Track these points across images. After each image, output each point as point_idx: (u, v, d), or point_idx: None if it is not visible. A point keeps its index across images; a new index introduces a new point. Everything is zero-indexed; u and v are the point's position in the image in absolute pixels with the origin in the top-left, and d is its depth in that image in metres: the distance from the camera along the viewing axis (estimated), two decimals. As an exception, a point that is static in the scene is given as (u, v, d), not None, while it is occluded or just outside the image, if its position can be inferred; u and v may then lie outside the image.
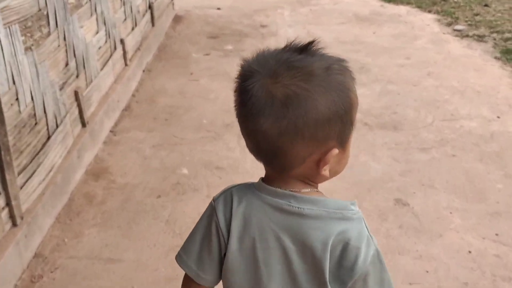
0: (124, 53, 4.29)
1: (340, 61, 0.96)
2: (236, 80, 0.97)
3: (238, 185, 1.06)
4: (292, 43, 0.97)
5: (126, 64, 4.34)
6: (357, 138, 3.53)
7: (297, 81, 0.91)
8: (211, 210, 1.05)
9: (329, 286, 0.96)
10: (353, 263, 0.96)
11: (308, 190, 1.00)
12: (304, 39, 0.96)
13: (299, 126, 0.91)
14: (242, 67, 0.97)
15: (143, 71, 4.74)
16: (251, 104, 0.92)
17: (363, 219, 1.00)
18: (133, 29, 4.57)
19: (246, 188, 1.05)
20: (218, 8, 7.09)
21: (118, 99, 3.94)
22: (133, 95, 4.33)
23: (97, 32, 3.66)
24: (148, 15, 5.17)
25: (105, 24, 3.80)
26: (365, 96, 4.25)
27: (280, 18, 6.69)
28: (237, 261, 1.02)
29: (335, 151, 0.95)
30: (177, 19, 6.49)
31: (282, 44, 0.99)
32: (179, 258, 1.10)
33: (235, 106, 0.98)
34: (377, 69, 4.89)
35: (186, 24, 6.30)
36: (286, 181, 1.00)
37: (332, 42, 5.66)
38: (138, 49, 4.70)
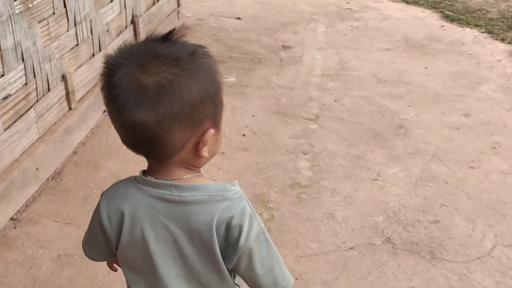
0: (68, 93, 3.12)
1: (202, 47, 1.01)
2: (101, 76, 0.97)
3: (123, 180, 1.09)
4: (153, 34, 1.01)
5: (70, 108, 3.17)
6: (370, 264, 2.25)
7: (166, 68, 0.94)
8: (97, 207, 1.10)
9: (222, 263, 1.04)
10: (236, 240, 1.02)
11: (189, 176, 1.05)
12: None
13: (175, 111, 0.94)
14: (107, 61, 0.97)
15: (104, 112, 3.55)
16: (122, 98, 0.93)
17: (244, 198, 1.05)
18: (92, 57, 3.39)
19: (130, 182, 1.07)
20: (238, 18, 5.83)
21: (40, 165, 2.77)
22: (75, 153, 3.16)
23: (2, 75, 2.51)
24: (128, 33, 3.97)
25: (23, 59, 2.65)
26: (396, 182, 2.92)
27: (310, 36, 5.38)
28: (132, 252, 1.09)
29: (212, 131, 1.00)
30: (181, 32, 5.25)
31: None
32: (85, 251, 1.22)
33: (104, 102, 0.99)
34: (421, 132, 3.52)
35: (189, 40, 5.05)
36: (167, 169, 1.04)
37: (366, 78, 4.35)
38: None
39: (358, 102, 3.93)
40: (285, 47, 5.05)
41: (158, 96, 0.93)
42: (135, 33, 4.14)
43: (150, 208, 1.05)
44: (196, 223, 1.03)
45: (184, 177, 1.05)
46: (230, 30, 5.44)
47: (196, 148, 1.01)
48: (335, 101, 3.94)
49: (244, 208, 1.04)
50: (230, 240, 1.03)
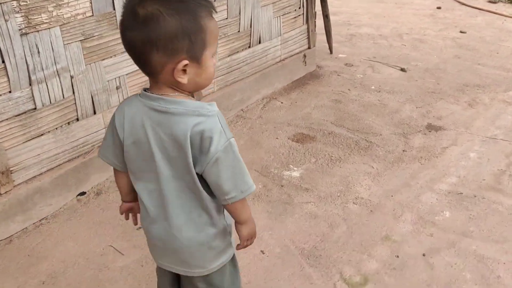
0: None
1: None
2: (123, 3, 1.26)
3: (130, 96, 1.38)
4: None
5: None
6: None
7: (157, 5, 1.19)
8: (112, 118, 1.39)
9: (193, 167, 1.30)
10: (207, 149, 1.27)
11: (176, 94, 1.30)
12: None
13: (153, 38, 1.20)
14: None
15: (80, 195, 2.66)
16: (123, 21, 1.24)
17: (217, 116, 1.29)
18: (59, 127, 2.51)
19: (134, 97, 1.35)
20: (403, 69, 4.21)
21: None
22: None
23: None
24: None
25: None
26: None
27: (492, 114, 3.53)
28: (132, 151, 1.36)
29: (184, 62, 1.24)
30: (303, 82, 3.97)
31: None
32: (101, 155, 1.46)
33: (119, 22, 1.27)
34: None
35: (298, 98, 3.76)
36: (159, 87, 1.30)
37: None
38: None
39: None
40: (430, 128, 3.32)
41: (144, 23, 1.20)
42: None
43: (146, 115, 1.31)
44: (176, 131, 1.28)
45: (171, 94, 1.30)
46: (372, 87, 3.90)
47: (173, 73, 1.25)
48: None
49: (215, 124, 1.28)
50: (203, 149, 1.29)
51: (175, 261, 1.48)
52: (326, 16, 4.31)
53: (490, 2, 6.48)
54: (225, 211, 1.46)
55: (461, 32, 5.18)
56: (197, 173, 1.33)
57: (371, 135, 3.21)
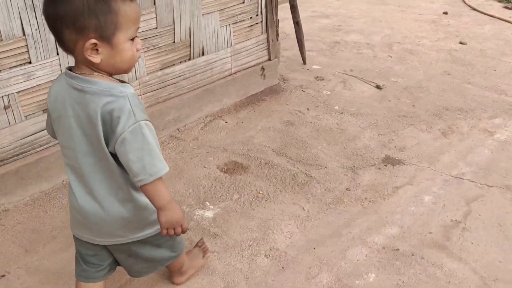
0: None
1: None
2: None
3: (61, 73, 1.52)
4: None
5: None
6: None
7: None
8: (48, 97, 1.47)
9: (105, 145, 1.37)
10: (115, 128, 1.33)
11: (93, 73, 1.36)
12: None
13: (62, 14, 1.27)
14: None
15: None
16: None
17: (128, 98, 1.35)
18: None
19: (62, 75, 1.43)
20: (378, 87, 3.77)
21: None
22: None
23: None
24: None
25: None
26: None
27: (467, 145, 3.10)
28: (56, 126, 1.46)
29: (92, 40, 1.29)
30: (259, 97, 3.57)
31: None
32: (46, 127, 1.56)
33: None
34: None
35: (247, 118, 3.36)
36: (78, 66, 1.38)
37: None
38: None
39: None
40: (387, 161, 2.88)
41: (54, 3, 1.29)
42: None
43: (67, 93, 1.39)
44: (90, 109, 1.35)
45: (88, 73, 1.37)
46: (336, 107, 3.46)
47: (84, 52, 1.32)
48: None
49: (124, 105, 1.34)
50: (113, 128, 1.34)
51: (97, 234, 1.56)
52: (296, 23, 3.89)
53: (506, 8, 5.88)
54: None
55: (460, 43, 4.65)
56: (111, 152, 1.40)
57: (314, 168, 2.79)
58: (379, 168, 2.81)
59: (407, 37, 4.80)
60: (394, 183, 2.69)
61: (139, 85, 2.84)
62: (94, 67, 1.37)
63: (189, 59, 3.05)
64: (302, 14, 5.48)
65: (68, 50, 1.36)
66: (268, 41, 3.48)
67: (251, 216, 2.43)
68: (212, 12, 3.06)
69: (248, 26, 3.33)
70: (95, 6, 1.27)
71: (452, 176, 2.74)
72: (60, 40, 1.34)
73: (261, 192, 2.60)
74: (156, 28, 2.81)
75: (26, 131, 2.44)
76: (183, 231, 1.52)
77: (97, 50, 1.32)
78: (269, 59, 3.53)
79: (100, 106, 1.34)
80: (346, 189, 2.64)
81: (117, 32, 1.32)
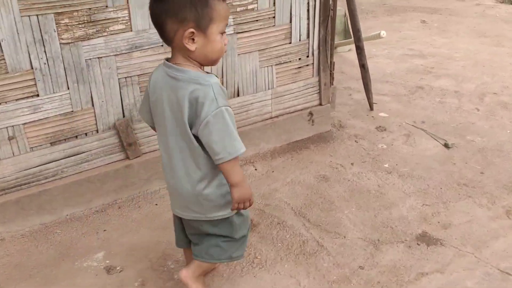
0: None
1: None
2: None
3: (159, 64, 1.68)
4: None
5: None
6: None
7: None
8: (148, 80, 1.71)
9: (188, 128, 1.59)
10: (200, 112, 1.55)
11: (186, 63, 1.60)
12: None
13: (167, 8, 1.52)
14: None
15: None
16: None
17: (212, 86, 1.56)
18: None
19: (161, 64, 1.66)
20: (446, 145, 3.30)
21: None
22: None
23: None
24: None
25: None
26: None
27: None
28: (154, 107, 1.70)
29: (191, 29, 1.52)
30: (303, 145, 3.29)
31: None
32: (139, 111, 1.84)
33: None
34: None
35: (280, 167, 3.10)
36: (174, 56, 1.62)
37: None
38: None
39: None
40: (422, 239, 2.46)
41: (159, 2, 1.54)
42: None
43: (164, 79, 1.63)
44: (180, 94, 1.57)
45: (182, 63, 1.60)
46: (386, 165, 3.07)
47: (182, 39, 1.54)
48: None
49: (208, 93, 1.55)
50: (197, 113, 1.55)
51: (179, 206, 1.79)
52: (362, 66, 3.54)
53: None
54: None
55: None
56: (194, 135, 1.60)
57: (330, 236, 2.45)
58: (409, 247, 2.38)
59: (507, 88, 4.17)
60: (421, 268, 2.26)
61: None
62: (189, 56, 1.58)
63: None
64: (398, 52, 5.08)
65: (168, 39, 1.58)
66: (319, 85, 3.19)
67: (236, 284, 2.17)
68: (250, 52, 2.87)
69: (296, 68, 3.08)
70: (196, 0, 1.50)
71: (499, 269, 2.24)
72: (163, 31, 1.56)
73: (259, 257, 2.32)
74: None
75: (30, 162, 2.43)
76: (250, 205, 1.73)
77: (193, 39, 1.54)
78: (320, 104, 3.24)
79: (188, 93, 1.55)
80: (359, 267, 2.27)
81: (212, 24, 1.54)
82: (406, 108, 3.79)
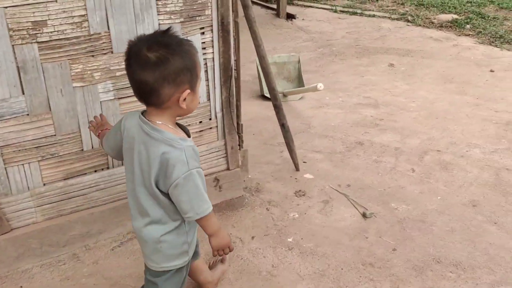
0: None
1: (187, 40, 1.66)
2: (126, 51, 1.62)
3: (134, 111, 1.76)
4: (158, 30, 1.83)
5: None
6: None
7: (161, 50, 1.56)
8: (120, 121, 1.79)
9: (153, 183, 1.68)
10: (170, 174, 1.63)
11: (160, 123, 1.67)
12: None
13: (165, 75, 1.56)
14: (129, 43, 1.62)
15: None
16: (135, 63, 1.58)
17: (184, 150, 1.64)
18: None
19: (137, 114, 1.72)
20: (364, 215, 3.03)
21: None
22: None
23: None
24: None
25: None
26: None
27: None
28: (125, 154, 1.78)
29: (188, 91, 1.62)
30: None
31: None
32: (103, 145, 1.94)
33: (125, 67, 1.63)
34: None
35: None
36: (151, 113, 1.68)
37: None
38: None
39: None
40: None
41: (156, 64, 1.55)
42: None
43: (137, 131, 1.69)
44: (151, 152, 1.65)
45: (157, 122, 1.67)
46: (289, 239, 2.80)
47: (178, 100, 1.62)
48: None
49: (179, 156, 1.63)
50: (167, 174, 1.64)
51: (143, 252, 1.86)
52: (282, 125, 3.31)
53: None
54: (196, 229, 1.89)
55: (521, 159, 3.64)
56: (162, 191, 1.69)
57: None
58: None
59: (454, 144, 3.90)
60: None
61: (31, 196, 2.51)
62: (178, 113, 1.69)
63: (107, 168, 2.67)
64: (352, 100, 4.84)
65: (158, 103, 1.64)
66: (226, 148, 2.96)
67: None
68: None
69: (197, 132, 2.86)
70: (188, 63, 1.60)
71: None
72: (153, 96, 1.61)
73: None
74: (55, 135, 2.48)
75: None
76: (231, 250, 1.86)
77: (185, 99, 1.63)
78: (228, 169, 3.00)
79: (160, 153, 1.63)
80: None
81: (198, 80, 1.67)
82: (335, 169, 3.53)
